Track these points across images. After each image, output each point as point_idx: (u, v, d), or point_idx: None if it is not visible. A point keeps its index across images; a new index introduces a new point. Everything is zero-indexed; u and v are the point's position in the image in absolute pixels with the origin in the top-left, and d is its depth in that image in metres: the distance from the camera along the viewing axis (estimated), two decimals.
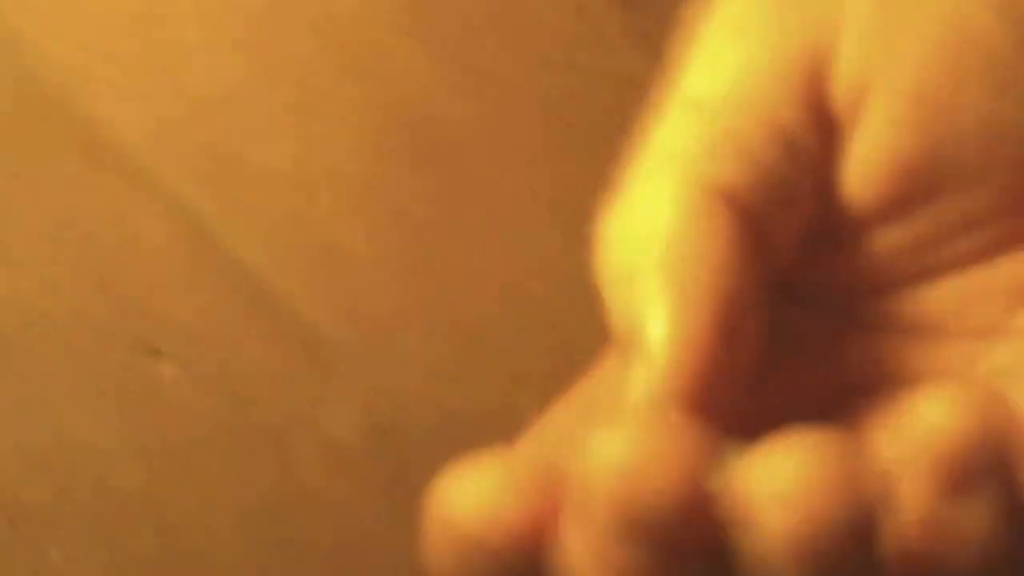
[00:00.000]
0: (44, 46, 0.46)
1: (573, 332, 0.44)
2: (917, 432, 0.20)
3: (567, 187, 0.47)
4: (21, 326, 0.48)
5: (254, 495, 0.50)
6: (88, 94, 0.47)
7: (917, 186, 0.23)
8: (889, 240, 0.24)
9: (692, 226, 0.21)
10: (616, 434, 0.20)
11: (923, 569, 0.20)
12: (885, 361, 0.24)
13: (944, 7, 0.22)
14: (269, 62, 0.46)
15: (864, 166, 0.23)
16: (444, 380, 0.48)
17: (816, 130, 0.23)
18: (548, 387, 0.28)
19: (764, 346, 0.22)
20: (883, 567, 0.20)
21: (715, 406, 0.21)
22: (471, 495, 0.21)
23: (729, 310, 0.21)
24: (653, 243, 0.21)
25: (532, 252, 0.47)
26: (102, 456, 0.49)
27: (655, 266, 0.21)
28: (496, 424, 0.48)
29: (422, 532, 0.22)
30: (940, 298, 0.24)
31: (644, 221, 0.22)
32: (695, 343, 0.21)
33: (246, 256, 0.48)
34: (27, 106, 0.47)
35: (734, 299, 0.21)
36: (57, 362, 0.49)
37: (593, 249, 0.23)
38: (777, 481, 0.19)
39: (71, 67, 0.46)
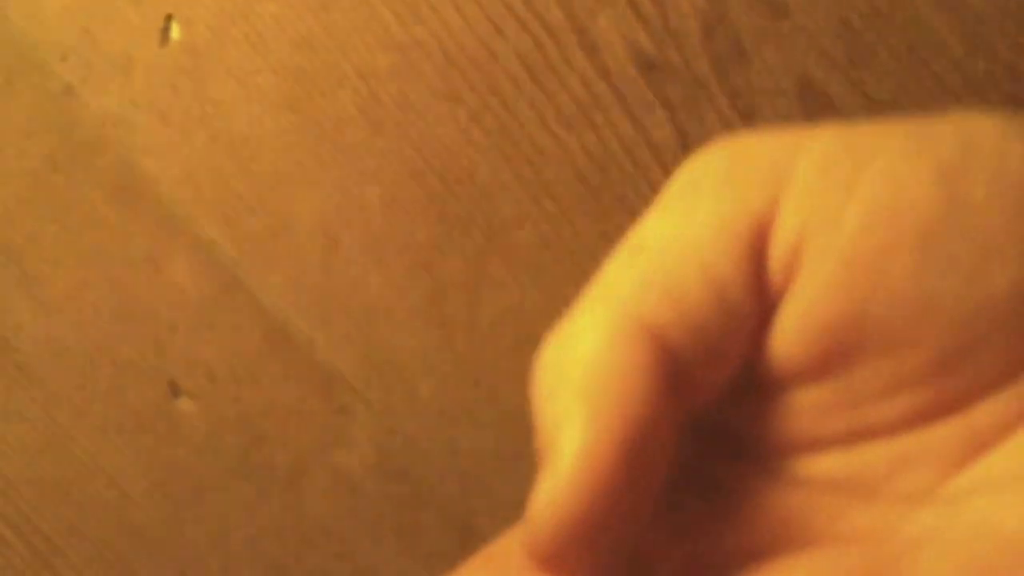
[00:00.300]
0: (86, 97, 0.48)
1: None
2: None
3: (586, 242, 0.48)
4: (49, 362, 0.49)
5: (269, 530, 0.51)
6: (124, 142, 0.48)
7: (845, 348, 0.24)
8: (820, 398, 0.24)
9: (610, 352, 0.22)
10: None
11: None
12: (810, 519, 0.25)
13: (883, 174, 0.23)
14: (302, 115, 0.48)
15: (795, 325, 0.24)
16: (457, 423, 0.50)
17: (752, 287, 0.24)
18: None
19: (668, 483, 0.24)
20: None
21: (614, 526, 0.22)
22: None
23: (636, 432, 0.22)
24: (575, 366, 0.23)
25: (549, 303, 0.49)
26: (121, 488, 0.50)
27: (572, 386, 0.22)
28: (508, 467, 0.50)
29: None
30: (872, 460, 0.25)
31: (571, 347, 0.23)
32: (599, 457, 0.22)
33: (268, 300, 0.49)
34: (66, 152, 0.48)
35: (642, 422, 0.22)
36: (82, 397, 0.50)
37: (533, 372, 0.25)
38: None
39: (110, 116, 0.48)
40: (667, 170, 0.47)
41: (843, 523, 0.25)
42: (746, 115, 0.47)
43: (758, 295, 0.24)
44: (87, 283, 0.49)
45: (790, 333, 0.24)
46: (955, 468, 0.24)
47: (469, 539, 0.51)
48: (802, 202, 0.23)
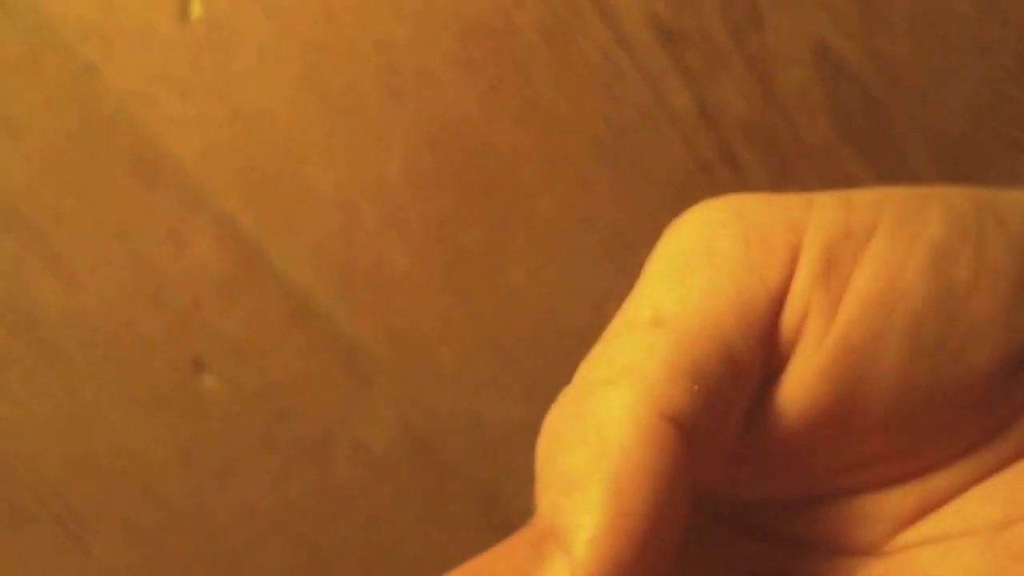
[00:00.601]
0: (108, 73, 0.48)
1: None
2: None
3: (606, 213, 0.48)
4: (73, 338, 0.50)
5: (293, 501, 0.51)
6: (146, 118, 0.48)
7: (824, 431, 0.24)
8: (796, 465, 0.25)
9: (643, 450, 0.22)
10: None
11: None
12: (765, 569, 0.26)
13: (878, 261, 0.24)
14: (322, 87, 0.48)
15: (781, 408, 0.24)
16: (480, 395, 0.50)
17: (761, 360, 0.24)
18: None
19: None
20: None
21: None
22: None
23: (659, 533, 0.22)
24: (603, 459, 0.22)
25: (572, 275, 0.49)
26: (147, 462, 0.51)
27: (600, 479, 0.22)
28: (531, 436, 0.50)
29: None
30: (831, 518, 0.26)
31: (597, 431, 0.23)
32: (618, 557, 0.22)
33: (291, 273, 0.49)
34: (88, 129, 0.48)
35: (666, 524, 0.22)
36: (108, 373, 0.50)
37: (540, 435, 0.24)
38: None
39: (131, 93, 0.48)
40: (685, 137, 0.48)
41: (797, 571, 0.26)
42: (763, 82, 0.47)
43: (766, 365, 0.24)
44: (110, 259, 0.49)
45: (779, 412, 0.24)
46: (906, 525, 0.25)
47: (494, 508, 0.51)
48: (807, 285, 0.24)
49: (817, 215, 0.24)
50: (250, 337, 0.50)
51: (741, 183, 0.48)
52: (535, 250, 0.49)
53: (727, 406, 0.24)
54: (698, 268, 0.24)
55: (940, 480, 0.25)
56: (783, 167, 0.48)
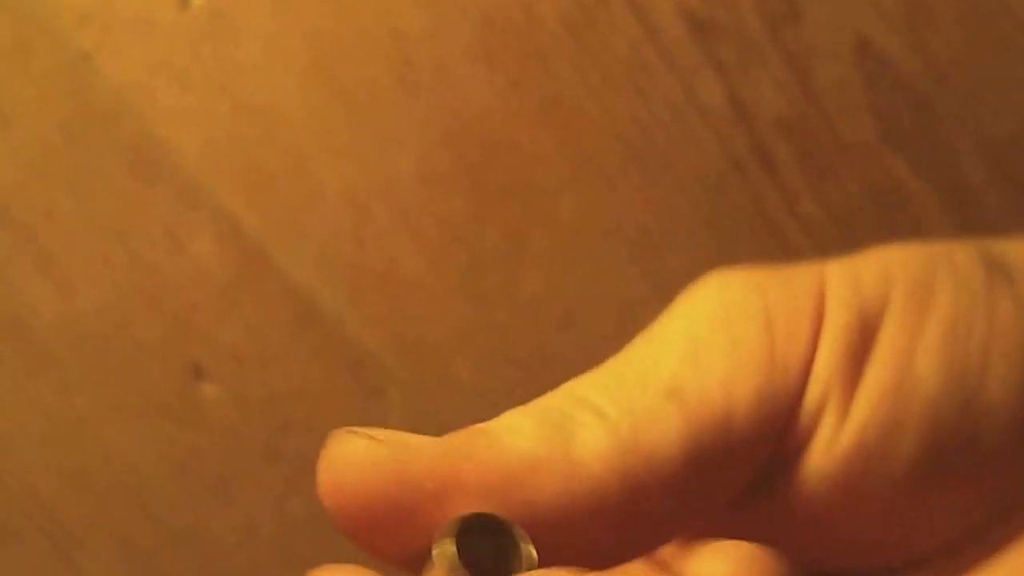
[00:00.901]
0: (103, 63, 0.46)
1: None
2: None
3: (632, 215, 0.47)
4: (66, 343, 0.48)
5: (296, 520, 0.50)
6: (144, 110, 0.47)
7: (835, 517, 0.24)
8: (803, 542, 0.25)
9: (593, 484, 0.23)
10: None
11: None
12: None
13: (892, 350, 0.24)
14: (331, 79, 0.46)
15: (797, 489, 0.24)
16: (495, 407, 0.48)
17: (771, 449, 0.24)
18: None
19: None
20: None
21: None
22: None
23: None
24: (558, 440, 0.23)
25: (595, 281, 0.47)
26: (142, 476, 0.49)
27: (545, 441, 0.23)
28: None
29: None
30: None
31: (572, 439, 0.23)
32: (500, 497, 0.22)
33: (296, 275, 0.48)
34: (82, 121, 0.47)
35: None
36: (102, 380, 0.48)
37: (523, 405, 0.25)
38: None
39: (128, 83, 0.46)
40: (718, 134, 0.46)
41: None
42: (800, 77, 0.46)
43: (776, 448, 0.24)
44: (105, 260, 0.47)
45: (789, 494, 0.24)
46: None
47: None
48: (824, 382, 0.24)
49: (833, 300, 0.24)
50: (252, 343, 0.48)
51: (775, 183, 0.46)
52: (556, 254, 0.47)
53: (718, 485, 0.24)
54: (719, 353, 0.24)
55: (945, 563, 0.25)
56: (820, 167, 0.47)
